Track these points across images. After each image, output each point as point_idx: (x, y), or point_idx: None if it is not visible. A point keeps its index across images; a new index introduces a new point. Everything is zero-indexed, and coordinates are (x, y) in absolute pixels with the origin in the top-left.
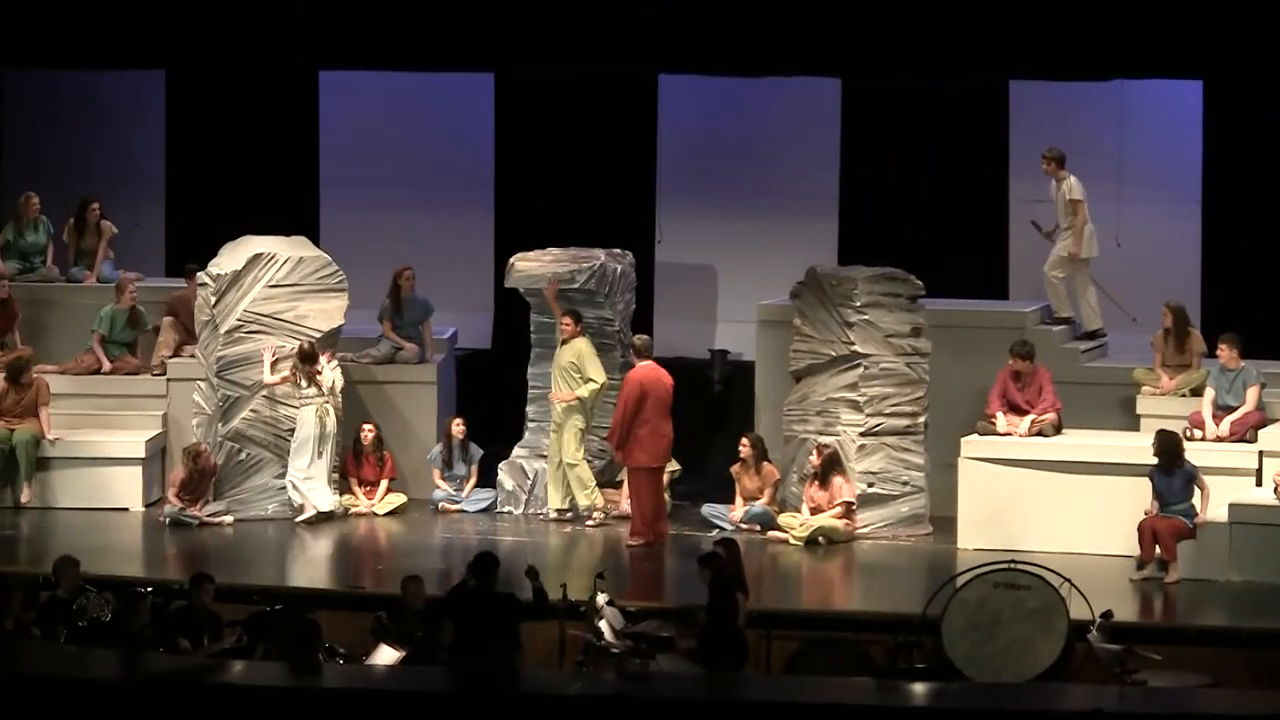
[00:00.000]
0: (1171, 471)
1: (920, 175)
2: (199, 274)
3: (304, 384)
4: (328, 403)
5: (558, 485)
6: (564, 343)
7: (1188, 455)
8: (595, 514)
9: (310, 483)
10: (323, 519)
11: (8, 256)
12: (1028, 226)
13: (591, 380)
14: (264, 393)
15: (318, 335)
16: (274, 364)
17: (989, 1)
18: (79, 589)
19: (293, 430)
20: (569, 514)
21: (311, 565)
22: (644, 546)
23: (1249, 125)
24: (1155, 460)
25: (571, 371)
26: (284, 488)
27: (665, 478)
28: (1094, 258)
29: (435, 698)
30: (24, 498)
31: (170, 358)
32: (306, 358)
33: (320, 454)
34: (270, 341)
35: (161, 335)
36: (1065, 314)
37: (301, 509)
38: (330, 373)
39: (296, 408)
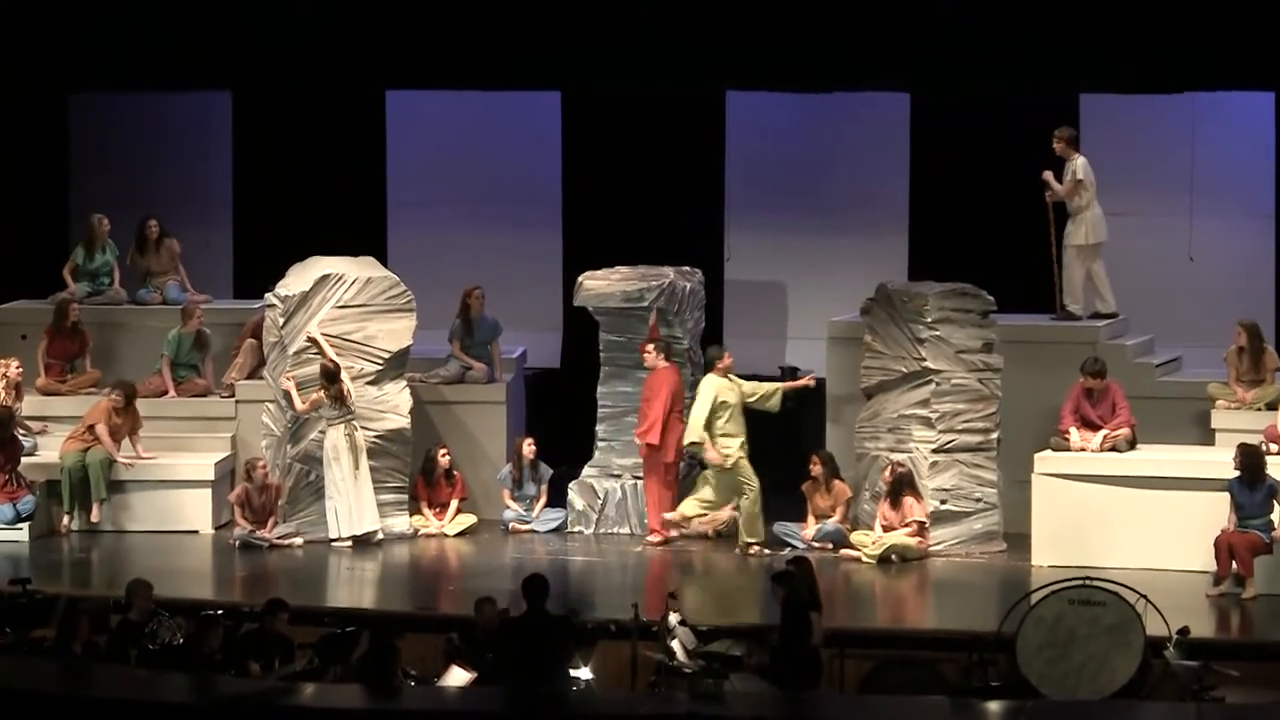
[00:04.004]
0: (1255, 485)
1: (990, 189)
2: (268, 295)
3: (330, 404)
4: (355, 419)
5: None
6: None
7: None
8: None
9: (347, 501)
10: (359, 541)
11: (78, 279)
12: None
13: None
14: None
15: (386, 355)
16: (299, 390)
17: (1059, 15)
18: (152, 612)
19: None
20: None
21: (382, 587)
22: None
23: None
24: (1237, 473)
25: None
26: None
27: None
28: (1102, 242)
29: (506, 719)
30: (93, 516)
31: (245, 380)
32: (330, 377)
33: (356, 472)
34: (286, 378)
35: (241, 358)
36: (1106, 309)
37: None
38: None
39: (324, 430)
